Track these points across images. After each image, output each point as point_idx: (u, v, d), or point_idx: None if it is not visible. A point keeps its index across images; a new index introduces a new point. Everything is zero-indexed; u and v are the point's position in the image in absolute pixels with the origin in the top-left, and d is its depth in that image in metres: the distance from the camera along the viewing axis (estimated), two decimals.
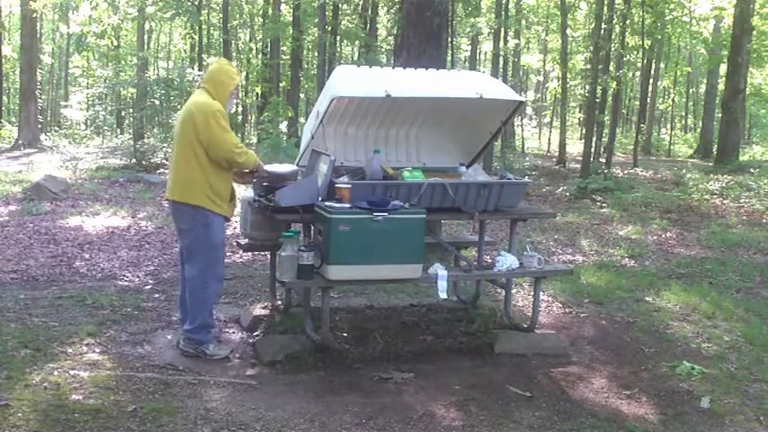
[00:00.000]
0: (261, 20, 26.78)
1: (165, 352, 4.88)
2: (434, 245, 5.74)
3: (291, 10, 22.92)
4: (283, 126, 19.81)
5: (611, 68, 18.61)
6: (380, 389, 4.52)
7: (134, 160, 16.18)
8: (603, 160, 17.05)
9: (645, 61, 22.07)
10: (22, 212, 9.86)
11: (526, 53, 29.50)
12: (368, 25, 22.36)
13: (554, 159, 21.64)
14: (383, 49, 24.06)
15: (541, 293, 5.94)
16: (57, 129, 26.55)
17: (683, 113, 39.83)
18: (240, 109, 27.58)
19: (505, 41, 23.37)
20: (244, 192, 5.32)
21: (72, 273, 6.95)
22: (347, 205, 4.57)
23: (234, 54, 25.60)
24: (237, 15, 26.55)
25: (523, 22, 26.44)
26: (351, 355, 4.98)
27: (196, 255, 4.70)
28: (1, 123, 24.71)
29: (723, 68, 24.01)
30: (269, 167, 5.01)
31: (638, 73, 27.92)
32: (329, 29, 20.55)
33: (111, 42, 21.33)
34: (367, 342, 5.18)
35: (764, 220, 11.73)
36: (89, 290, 6.27)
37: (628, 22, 18.07)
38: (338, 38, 22.41)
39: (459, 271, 5.32)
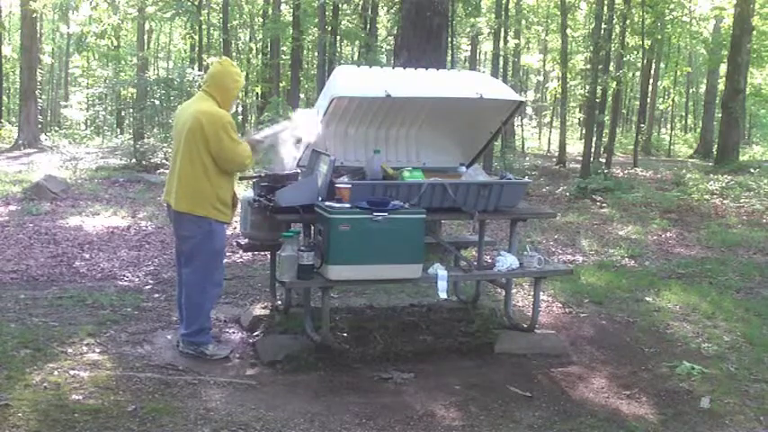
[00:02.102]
0: (261, 20, 26.80)
1: (165, 352, 4.87)
2: (434, 245, 5.73)
3: (291, 10, 22.93)
4: None
5: (611, 68, 18.61)
6: (380, 389, 4.52)
7: (134, 160, 16.17)
8: (603, 160, 17.05)
9: (645, 61, 22.09)
10: (22, 212, 9.86)
11: (526, 53, 29.47)
12: (368, 25, 22.35)
13: (554, 159, 21.63)
14: (383, 49, 24.05)
15: (541, 293, 5.93)
16: (57, 129, 26.54)
17: (683, 113, 39.83)
18: (240, 109, 27.58)
19: (505, 41, 23.37)
20: (244, 192, 5.32)
21: (72, 273, 6.95)
22: (347, 205, 4.57)
23: (234, 54, 25.60)
24: (237, 15, 26.57)
25: (523, 22, 26.43)
26: (351, 355, 4.97)
27: (196, 260, 4.68)
28: (1, 123, 24.71)
29: (723, 68, 24.02)
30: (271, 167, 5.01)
31: (638, 73, 27.90)
32: (329, 29, 20.53)
33: (111, 42, 21.34)
34: (367, 342, 5.18)
35: (764, 220, 11.73)
36: (89, 290, 6.26)
37: (628, 22, 18.07)
38: (338, 38, 22.40)
39: (459, 271, 5.32)
